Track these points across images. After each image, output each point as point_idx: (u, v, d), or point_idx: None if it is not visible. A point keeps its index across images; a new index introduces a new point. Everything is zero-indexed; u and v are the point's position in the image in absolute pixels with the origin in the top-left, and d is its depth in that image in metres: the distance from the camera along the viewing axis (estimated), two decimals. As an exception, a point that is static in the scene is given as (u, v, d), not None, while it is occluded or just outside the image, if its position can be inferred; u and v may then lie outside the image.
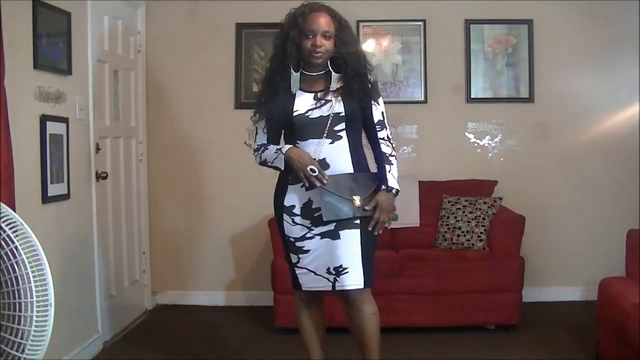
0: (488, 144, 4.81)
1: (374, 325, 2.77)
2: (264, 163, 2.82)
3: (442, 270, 4.03)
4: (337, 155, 2.71)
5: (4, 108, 2.63)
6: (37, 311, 1.98)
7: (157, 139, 4.78)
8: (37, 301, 1.98)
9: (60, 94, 3.34)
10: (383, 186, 2.72)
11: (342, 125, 2.72)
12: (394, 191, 2.73)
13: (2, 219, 2.00)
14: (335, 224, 2.69)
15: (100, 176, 3.88)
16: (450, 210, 4.36)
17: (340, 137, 2.72)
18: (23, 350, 1.97)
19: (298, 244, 2.77)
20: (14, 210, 2.18)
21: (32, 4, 3.07)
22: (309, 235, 2.75)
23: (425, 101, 4.78)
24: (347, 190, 2.67)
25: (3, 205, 2.05)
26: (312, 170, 2.64)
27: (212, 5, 4.78)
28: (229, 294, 4.84)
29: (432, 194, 4.47)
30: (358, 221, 2.70)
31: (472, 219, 4.27)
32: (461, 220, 4.29)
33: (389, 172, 2.74)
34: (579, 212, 4.78)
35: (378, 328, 2.78)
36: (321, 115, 2.70)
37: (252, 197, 4.75)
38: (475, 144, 4.82)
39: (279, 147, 2.76)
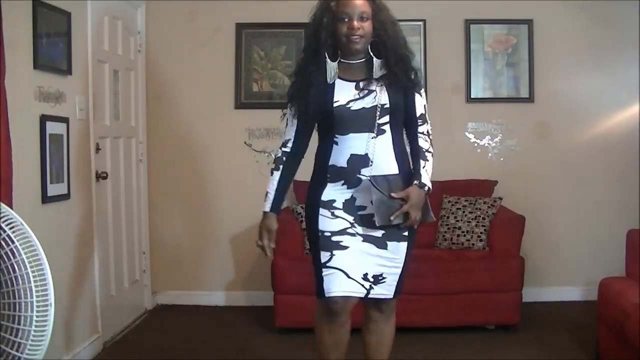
0: (488, 144, 4.81)
1: (393, 333, 2.75)
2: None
3: (442, 270, 4.03)
4: (380, 152, 2.50)
5: (4, 108, 2.63)
6: (37, 311, 1.98)
7: (157, 139, 4.78)
8: (37, 301, 1.98)
9: (60, 94, 3.34)
10: (415, 181, 2.49)
11: (387, 118, 2.50)
12: (425, 188, 2.51)
13: (2, 219, 2.00)
14: (383, 232, 2.52)
15: (100, 176, 3.88)
16: (450, 210, 4.36)
17: (384, 132, 2.50)
18: (23, 350, 1.97)
19: (335, 238, 2.53)
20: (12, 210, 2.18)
21: (32, 4, 3.07)
22: (350, 230, 2.53)
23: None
24: (397, 192, 2.47)
25: (3, 205, 2.05)
26: (257, 242, 2.59)
27: (212, 5, 4.77)
28: (229, 294, 4.84)
29: (432, 193, 4.45)
30: (407, 233, 2.55)
31: (472, 219, 4.27)
32: (461, 220, 4.29)
33: (423, 167, 2.52)
34: (579, 212, 4.78)
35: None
36: (364, 107, 2.48)
37: (252, 196, 4.71)
38: (475, 144, 4.82)
39: (270, 199, 2.62)
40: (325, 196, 2.56)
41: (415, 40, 4.77)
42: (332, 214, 2.55)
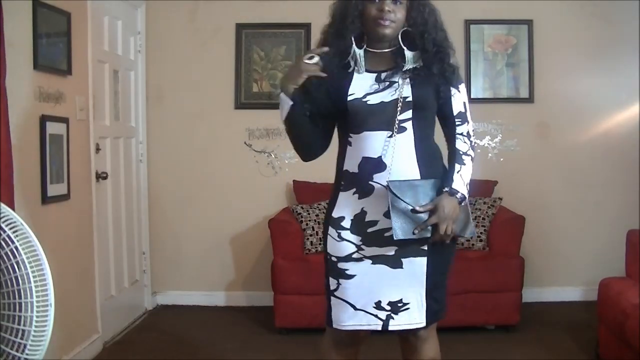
0: (488, 144, 4.81)
1: None
2: (291, 132, 2.27)
3: (442, 270, 4.03)
4: (398, 153, 2.17)
5: (4, 108, 2.63)
6: (37, 311, 1.97)
7: (157, 139, 4.78)
8: (37, 301, 1.97)
9: (60, 94, 3.34)
10: (446, 187, 2.16)
11: (409, 114, 2.18)
12: (458, 195, 2.17)
13: (2, 219, 2.00)
14: (396, 247, 2.19)
15: (100, 176, 3.88)
16: (450, 210, 4.35)
17: (404, 130, 2.18)
18: (23, 351, 1.97)
19: (341, 265, 2.25)
20: (13, 211, 2.18)
21: (32, 4, 3.07)
22: (356, 255, 2.23)
23: (425, 101, 4.77)
24: (424, 201, 2.15)
25: (3, 205, 2.05)
26: (310, 58, 2.14)
27: (212, 5, 4.77)
28: (229, 294, 4.84)
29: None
30: (425, 246, 2.19)
31: (472, 219, 4.26)
32: (461, 220, 4.28)
33: (458, 172, 2.19)
34: (579, 212, 4.78)
35: None
36: (382, 101, 2.17)
37: (252, 197, 4.76)
38: (475, 144, 4.80)
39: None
40: (336, 212, 2.27)
41: (415, 40, 4.77)
42: (339, 235, 2.25)
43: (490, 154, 4.81)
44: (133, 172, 4.53)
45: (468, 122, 2.27)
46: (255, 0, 4.74)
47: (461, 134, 2.25)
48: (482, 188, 4.51)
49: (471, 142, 2.27)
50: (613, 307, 3.17)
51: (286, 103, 2.19)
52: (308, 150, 2.33)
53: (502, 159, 4.81)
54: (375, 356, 2.58)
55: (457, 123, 2.25)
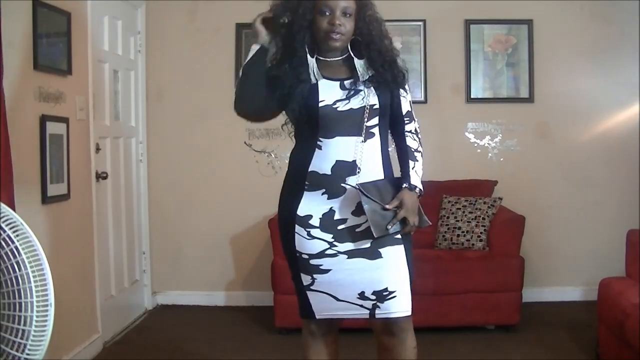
0: (488, 144, 4.81)
1: None
2: (247, 81, 2.34)
3: (442, 270, 4.03)
4: (369, 157, 2.31)
5: (3, 108, 2.63)
6: (37, 311, 1.97)
7: (157, 139, 4.78)
8: (37, 301, 1.97)
9: (60, 94, 3.34)
10: (405, 184, 2.30)
11: (375, 120, 2.32)
12: (417, 190, 2.31)
13: (2, 219, 2.00)
14: (371, 240, 2.28)
15: (100, 176, 3.88)
16: (450, 210, 4.36)
17: (373, 135, 2.31)
18: (23, 350, 1.97)
19: (314, 261, 2.31)
20: (13, 211, 2.18)
21: (32, 4, 3.07)
22: (330, 251, 2.30)
23: (425, 101, 4.78)
24: (388, 199, 2.28)
25: (3, 205, 2.05)
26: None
27: (212, 5, 4.78)
28: (229, 294, 4.84)
29: (432, 194, 4.46)
30: (399, 235, 2.32)
31: (472, 219, 4.27)
32: (461, 220, 4.29)
33: (413, 168, 2.33)
34: (579, 212, 4.78)
35: None
36: (351, 108, 2.28)
37: (252, 197, 4.76)
38: (475, 144, 4.82)
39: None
40: (302, 210, 2.31)
41: (415, 40, 4.78)
42: (309, 233, 2.31)
43: (490, 154, 4.82)
44: (133, 172, 4.53)
45: (415, 120, 2.41)
46: (255, 0, 4.73)
47: (410, 131, 2.39)
48: (482, 188, 4.51)
49: (419, 138, 2.41)
50: (613, 307, 3.17)
51: (252, 50, 2.33)
52: (253, 100, 2.34)
53: (502, 159, 4.81)
54: (367, 357, 2.58)
55: (406, 122, 2.39)
